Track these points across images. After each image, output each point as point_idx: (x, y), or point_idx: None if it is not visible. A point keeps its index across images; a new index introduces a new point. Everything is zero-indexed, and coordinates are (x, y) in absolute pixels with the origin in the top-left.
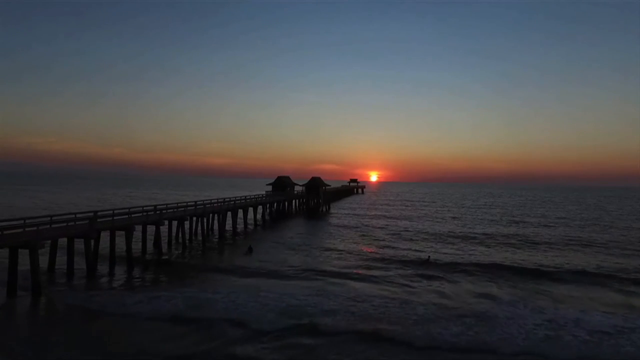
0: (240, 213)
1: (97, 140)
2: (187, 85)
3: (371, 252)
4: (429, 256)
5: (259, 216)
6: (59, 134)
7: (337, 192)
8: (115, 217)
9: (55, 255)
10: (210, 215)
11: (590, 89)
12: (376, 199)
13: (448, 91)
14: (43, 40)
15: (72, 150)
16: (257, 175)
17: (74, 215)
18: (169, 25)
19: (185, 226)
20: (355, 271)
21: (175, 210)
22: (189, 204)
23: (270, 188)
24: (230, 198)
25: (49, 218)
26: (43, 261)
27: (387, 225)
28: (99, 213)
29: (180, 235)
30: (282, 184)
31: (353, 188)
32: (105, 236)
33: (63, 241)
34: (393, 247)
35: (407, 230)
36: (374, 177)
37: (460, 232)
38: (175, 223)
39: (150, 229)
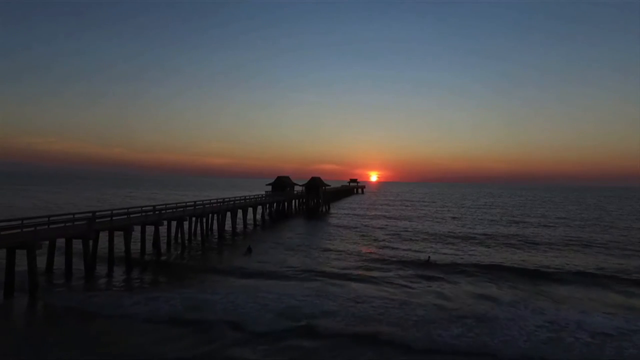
0: (240, 213)
1: (97, 140)
2: (187, 85)
3: (371, 252)
4: (429, 257)
5: (258, 216)
6: (59, 134)
7: (337, 192)
8: (113, 218)
9: (54, 255)
10: (210, 215)
11: (590, 89)
12: (376, 199)
13: (448, 91)
14: (43, 40)
15: (72, 150)
16: (257, 175)
17: (72, 216)
18: (169, 25)
19: (185, 226)
20: (354, 272)
21: (174, 210)
22: (188, 204)
23: (269, 188)
24: (229, 198)
25: (47, 218)
26: (41, 262)
27: (386, 225)
28: (97, 213)
29: (179, 235)
30: (281, 184)
31: (353, 188)
32: (103, 237)
33: (62, 242)
34: (393, 248)
35: (406, 231)
36: (374, 177)
37: (460, 233)
38: (174, 223)
39: (149, 229)
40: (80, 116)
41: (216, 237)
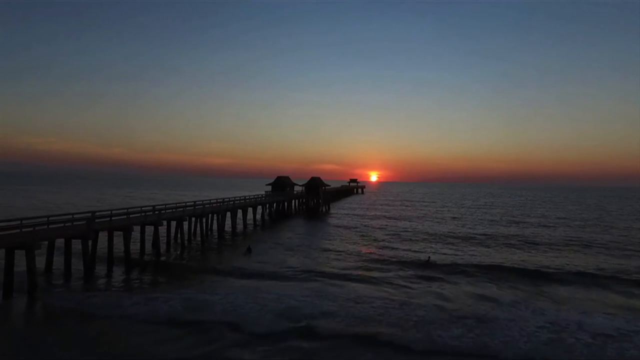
0: (240, 213)
1: (97, 140)
2: (187, 85)
3: (371, 253)
4: (429, 257)
5: (258, 216)
6: (59, 134)
7: (336, 192)
8: (113, 218)
9: (53, 256)
10: (209, 215)
11: (590, 89)
12: (376, 199)
13: (448, 91)
14: (43, 40)
15: (72, 150)
16: (257, 175)
17: (71, 216)
18: (169, 25)
19: (184, 227)
20: (354, 272)
21: (174, 210)
22: (187, 204)
23: (269, 188)
24: (229, 198)
25: (46, 218)
26: (40, 262)
27: (386, 225)
28: (97, 213)
29: (179, 235)
30: (281, 184)
31: (353, 188)
32: (103, 237)
33: (61, 242)
34: (393, 248)
35: (406, 231)
36: (374, 177)
37: (460, 233)
38: (174, 223)
39: (149, 229)
40: (80, 116)
41: (216, 237)
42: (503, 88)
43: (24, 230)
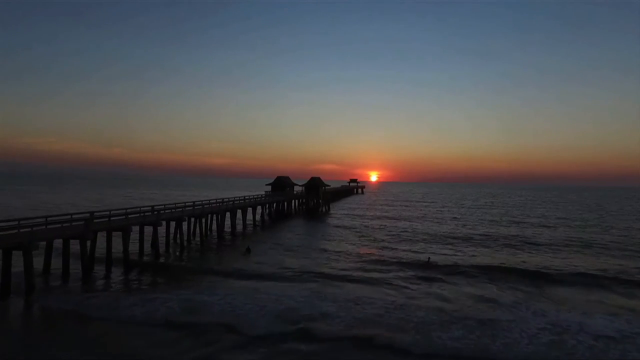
0: (239, 214)
1: (97, 140)
2: (187, 85)
3: (370, 253)
4: (429, 258)
5: (257, 217)
6: (59, 134)
7: (336, 193)
8: (112, 218)
9: (51, 257)
10: (209, 216)
11: (590, 89)
12: (376, 199)
13: (448, 91)
14: (43, 40)
15: (72, 150)
16: (257, 176)
17: (69, 216)
18: (169, 25)
19: (183, 227)
20: (354, 273)
21: (173, 210)
22: (187, 204)
23: (269, 188)
24: (228, 198)
25: (44, 219)
26: (38, 263)
27: (386, 226)
28: (95, 214)
29: (178, 236)
30: (281, 184)
31: (353, 188)
32: (101, 237)
33: (60, 243)
34: (392, 249)
35: (406, 231)
36: (374, 177)
37: (460, 233)
38: (173, 224)
39: (148, 229)
40: (80, 116)
41: (215, 237)
42: (503, 88)
43: (21, 230)
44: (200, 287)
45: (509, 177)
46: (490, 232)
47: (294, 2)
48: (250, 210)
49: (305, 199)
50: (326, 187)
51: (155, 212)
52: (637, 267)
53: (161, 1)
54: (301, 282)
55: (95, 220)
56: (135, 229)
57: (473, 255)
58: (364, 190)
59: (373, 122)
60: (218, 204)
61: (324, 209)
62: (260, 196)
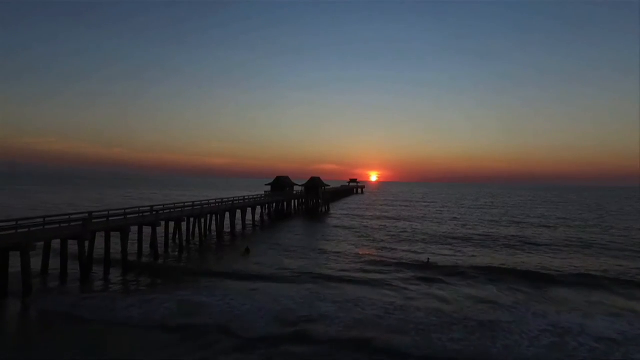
0: (239, 214)
1: (97, 140)
2: (187, 85)
3: (370, 254)
4: (429, 258)
5: (257, 217)
6: (59, 134)
7: (336, 193)
8: (110, 218)
9: (49, 257)
10: (208, 216)
11: (590, 89)
12: (376, 199)
13: (448, 91)
14: (43, 40)
15: (72, 150)
16: (257, 176)
17: (68, 217)
18: (169, 25)
19: (183, 227)
20: (353, 274)
21: (172, 210)
22: (186, 204)
23: (269, 188)
24: (228, 198)
25: (42, 219)
26: (36, 263)
27: (386, 226)
28: (94, 214)
29: (177, 236)
30: (281, 184)
31: (353, 188)
32: (100, 238)
33: (58, 243)
34: (392, 249)
35: (406, 232)
36: (373, 177)
37: (460, 234)
38: (172, 224)
39: (147, 230)
40: (80, 116)
41: (214, 238)
42: (503, 88)
43: (19, 231)
44: (199, 288)
45: (509, 177)
46: (490, 232)
47: (294, 2)
48: (249, 210)
49: (305, 199)
50: (326, 187)
51: (154, 213)
52: (637, 267)
53: (161, 1)
54: (300, 283)
55: (93, 221)
56: (134, 229)
57: (473, 256)
58: (363, 190)
59: (373, 122)
60: (217, 204)
61: (323, 209)
62: (259, 196)
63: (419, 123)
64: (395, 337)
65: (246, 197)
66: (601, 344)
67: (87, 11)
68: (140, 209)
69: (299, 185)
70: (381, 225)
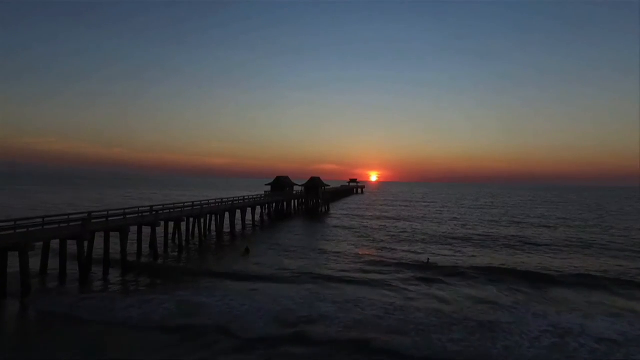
0: (238, 214)
1: (97, 140)
2: (187, 85)
3: (369, 254)
4: (428, 259)
5: (257, 217)
6: (59, 134)
7: (336, 193)
8: (109, 218)
9: (48, 257)
10: (208, 216)
11: (590, 89)
12: (375, 199)
13: (448, 91)
14: (43, 40)
15: (72, 150)
16: (257, 176)
17: (67, 217)
18: (169, 25)
19: (182, 227)
20: (353, 274)
21: (171, 211)
22: (185, 204)
23: (269, 188)
24: (228, 198)
25: (41, 219)
26: (35, 264)
27: (386, 226)
28: (93, 214)
29: (176, 236)
30: (281, 184)
31: (353, 188)
32: (99, 238)
33: (57, 243)
34: (392, 250)
35: (406, 232)
36: (373, 177)
37: (460, 234)
38: (171, 224)
39: (146, 230)
40: (80, 116)
41: (214, 238)
42: (503, 88)
43: (17, 231)
44: (199, 288)
45: (509, 177)
46: (490, 232)
47: (294, 2)
48: (249, 210)
49: (305, 199)
50: (326, 187)
51: (154, 212)
52: (637, 267)
53: (161, 1)
54: (300, 283)
55: (92, 221)
56: (134, 229)
57: (473, 256)
58: (363, 190)
59: (373, 122)
60: (217, 204)
61: (323, 209)
62: (259, 196)
63: (419, 123)
64: (395, 337)
65: (246, 197)
66: (602, 344)
67: (87, 11)
68: (140, 209)
69: (299, 185)
70: (381, 226)
